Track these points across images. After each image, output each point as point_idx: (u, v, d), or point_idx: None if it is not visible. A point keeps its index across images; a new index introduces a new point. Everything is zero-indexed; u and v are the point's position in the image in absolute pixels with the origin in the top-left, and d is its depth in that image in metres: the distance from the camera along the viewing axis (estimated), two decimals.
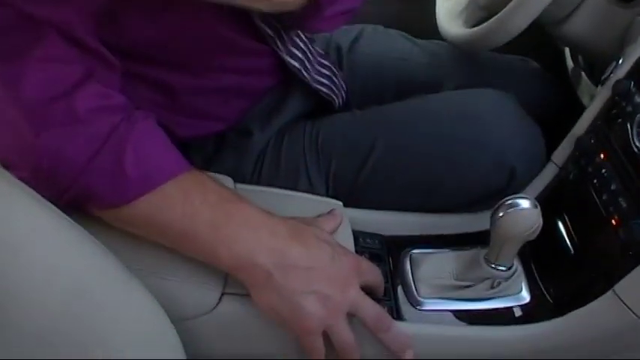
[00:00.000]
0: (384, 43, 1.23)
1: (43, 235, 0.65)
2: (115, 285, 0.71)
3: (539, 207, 0.79)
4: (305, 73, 0.98)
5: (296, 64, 0.96)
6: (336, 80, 1.05)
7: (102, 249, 0.71)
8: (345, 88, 1.09)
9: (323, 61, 1.04)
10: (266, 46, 0.93)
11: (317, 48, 1.04)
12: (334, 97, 1.05)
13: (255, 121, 0.99)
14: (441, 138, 0.96)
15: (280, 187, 0.95)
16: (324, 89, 1.02)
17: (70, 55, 0.75)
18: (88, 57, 0.76)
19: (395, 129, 0.98)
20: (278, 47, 0.93)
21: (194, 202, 0.76)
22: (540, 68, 1.25)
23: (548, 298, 0.88)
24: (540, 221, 0.79)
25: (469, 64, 1.20)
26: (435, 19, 1.25)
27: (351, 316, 0.79)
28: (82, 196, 0.74)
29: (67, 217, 0.69)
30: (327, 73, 1.04)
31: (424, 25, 1.28)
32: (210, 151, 0.98)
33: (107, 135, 0.75)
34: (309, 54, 1.00)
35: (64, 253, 0.66)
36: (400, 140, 0.96)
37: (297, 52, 0.97)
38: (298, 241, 0.78)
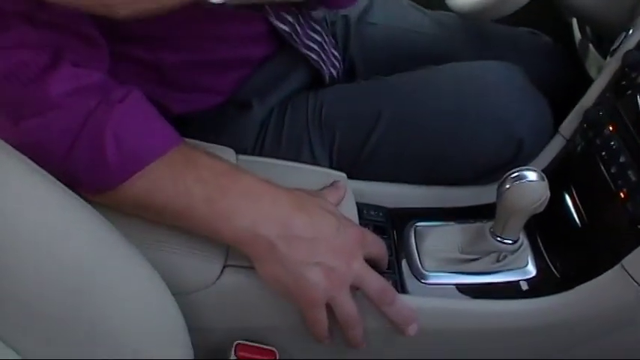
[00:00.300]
0: (394, 14, 1.21)
1: (41, 207, 0.64)
2: (115, 258, 0.70)
3: (546, 180, 0.78)
4: (295, 38, 0.96)
5: (286, 28, 0.94)
6: (326, 47, 1.03)
7: (102, 221, 0.70)
8: (338, 58, 1.07)
9: (315, 25, 1.02)
10: (255, 11, 0.91)
11: (309, 12, 1.02)
12: (323, 65, 1.02)
13: (254, 94, 0.97)
14: (447, 110, 0.95)
15: (283, 159, 0.93)
16: (314, 55, 1.00)
17: (37, 38, 0.72)
18: (60, 35, 0.73)
19: (400, 101, 0.96)
20: (267, 12, 0.91)
21: (186, 180, 0.75)
22: (550, 40, 1.23)
23: (555, 272, 0.87)
24: (547, 194, 0.78)
25: (478, 35, 1.18)
26: None
27: (354, 289, 0.78)
28: (69, 181, 0.72)
29: (67, 189, 0.68)
30: (318, 39, 1.02)
31: None
32: (211, 126, 0.96)
33: (83, 121, 0.72)
34: (300, 17, 0.98)
35: (63, 225, 0.65)
36: (406, 112, 0.95)
37: (287, 17, 0.95)
38: (302, 211, 0.77)
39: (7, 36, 0.71)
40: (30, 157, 0.68)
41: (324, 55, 1.02)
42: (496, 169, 0.92)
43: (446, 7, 1.21)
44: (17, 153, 0.66)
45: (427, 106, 0.95)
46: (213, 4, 0.72)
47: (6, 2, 0.69)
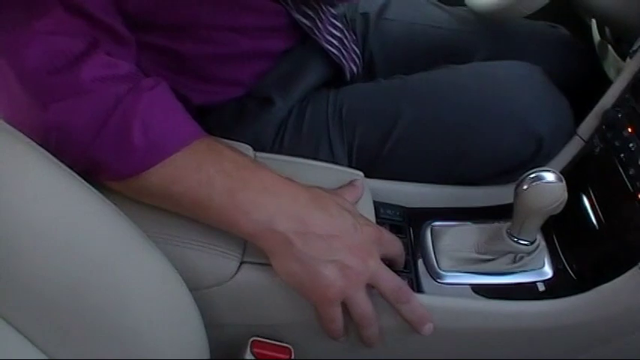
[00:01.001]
0: (413, 10, 1.21)
1: (60, 201, 0.64)
2: (132, 252, 0.70)
3: (564, 181, 0.78)
4: (316, 32, 0.96)
5: (307, 22, 0.95)
6: (346, 43, 1.03)
7: (121, 216, 0.71)
8: (358, 54, 1.07)
9: (335, 21, 1.02)
10: (276, 3, 0.91)
11: (329, 8, 1.02)
12: (344, 60, 1.03)
13: (275, 89, 0.98)
14: (467, 110, 0.95)
15: (301, 157, 0.93)
16: (334, 50, 1.01)
17: (74, 26, 0.74)
18: (94, 28, 0.76)
19: (421, 100, 0.96)
20: (289, 4, 0.91)
21: (209, 170, 0.75)
22: (570, 35, 1.22)
23: (571, 273, 0.87)
24: (565, 195, 0.78)
25: (497, 30, 1.18)
26: None
27: (370, 287, 0.78)
28: (92, 167, 0.74)
29: (84, 182, 0.69)
30: (338, 34, 1.02)
31: None
32: (230, 120, 0.97)
33: (113, 106, 0.74)
34: (320, 13, 0.98)
35: (81, 219, 0.66)
36: (426, 111, 0.95)
37: (308, 11, 0.95)
38: (320, 208, 0.77)
39: (45, 21, 0.72)
40: (55, 141, 0.70)
41: (345, 50, 1.03)
42: (515, 168, 0.92)
43: (464, 4, 1.21)
44: (38, 147, 0.66)
45: (447, 105, 0.95)
46: None
47: None
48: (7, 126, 0.66)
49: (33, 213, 0.61)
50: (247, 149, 0.89)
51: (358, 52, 1.07)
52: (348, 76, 1.04)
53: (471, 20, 1.20)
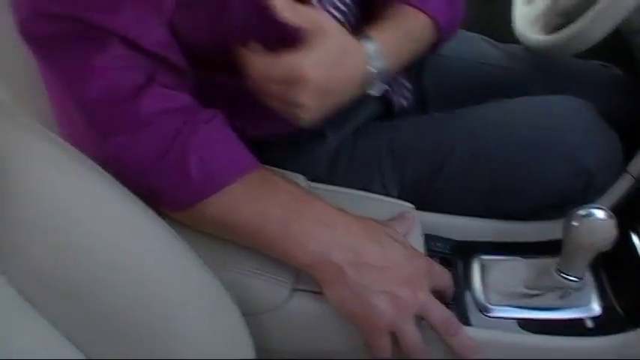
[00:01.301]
0: (466, 46, 1.22)
1: (121, 224, 0.67)
2: (187, 275, 0.72)
3: (614, 218, 0.78)
4: None
5: None
6: (396, 78, 1.05)
7: (177, 240, 0.73)
8: (409, 88, 1.08)
9: None
10: None
11: None
12: (393, 95, 1.04)
13: (327, 122, 0.99)
14: (518, 144, 0.96)
15: (354, 188, 0.95)
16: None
17: (132, 61, 0.77)
18: (151, 61, 0.78)
19: (472, 134, 0.98)
20: None
21: (264, 201, 0.78)
22: (621, 74, 1.23)
23: (620, 310, 0.86)
24: (615, 233, 0.78)
25: (549, 68, 1.19)
26: (514, 24, 1.24)
27: (419, 319, 0.79)
28: (150, 197, 0.76)
29: (146, 206, 0.71)
30: None
31: (503, 29, 1.27)
32: (284, 151, 0.98)
33: (171, 139, 0.77)
34: None
35: (141, 242, 0.68)
36: (477, 146, 0.96)
37: None
38: (373, 240, 0.79)
39: (104, 57, 0.75)
40: (114, 171, 0.72)
41: (395, 85, 1.04)
42: (564, 203, 0.92)
43: (516, 42, 1.22)
44: (97, 167, 0.69)
45: (498, 139, 0.96)
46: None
47: (108, 21, 0.74)
48: (68, 145, 0.69)
49: (92, 229, 0.64)
50: (301, 179, 0.91)
51: (409, 86, 1.08)
52: (398, 109, 1.06)
53: (523, 58, 1.20)
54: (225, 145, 0.81)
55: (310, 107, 0.77)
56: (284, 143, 0.98)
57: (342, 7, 0.97)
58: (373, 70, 0.82)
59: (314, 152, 0.98)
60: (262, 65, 0.76)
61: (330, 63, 0.77)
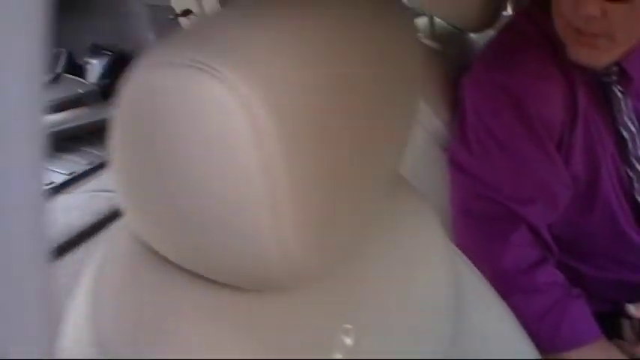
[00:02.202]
0: None
1: None
2: None
3: None
4: None
5: None
6: None
7: None
8: None
9: None
10: None
11: None
12: None
13: None
14: None
15: None
16: None
17: (532, 240, 1.13)
18: (543, 244, 1.14)
19: None
20: None
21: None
22: None
23: None
24: None
25: None
26: None
27: None
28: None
29: None
30: None
31: None
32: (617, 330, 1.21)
33: (554, 303, 1.10)
34: None
35: None
36: None
37: None
38: None
39: (518, 235, 1.12)
40: None
41: None
42: None
43: None
44: None
45: None
46: None
47: (523, 210, 1.12)
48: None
49: None
50: None
51: None
52: None
53: None
54: (585, 318, 1.12)
55: None
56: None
57: None
58: None
59: None
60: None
61: None
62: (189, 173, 0.49)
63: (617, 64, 1.16)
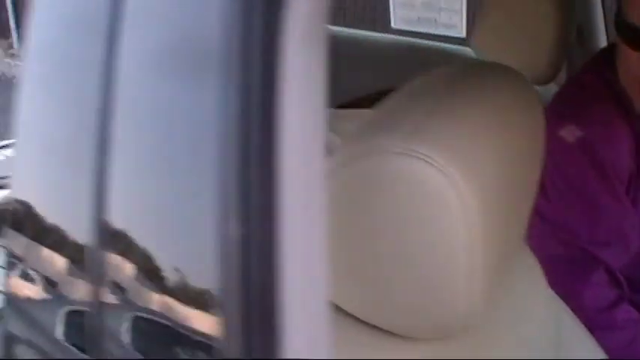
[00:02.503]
0: None
1: None
2: None
3: None
4: None
5: None
6: None
7: None
8: None
9: None
10: None
11: None
12: None
13: None
14: None
15: None
16: None
17: (608, 281, 1.20)
18: (617, 284, 1.21)
19: None
20: None
21: None
22: None
23: None
24: None
25: None
26: None
27: None
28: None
29: None
30: None
31: None
32: None
33: (630, 342, 1.16)
34: None
35: None
36: None
37: None
38: None
39: (596, 275, 1.19)
40: None
41: None
42: None
43: None
44: None
45: None
46: None
47: (600, 254, 1.21)
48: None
49: None
50: None
51: None
52: None
53: None
54: None
55: None
56: None
57: None
58: None
59: None
60: None
61: None
62: (404, 249, 0.59)
63: None
